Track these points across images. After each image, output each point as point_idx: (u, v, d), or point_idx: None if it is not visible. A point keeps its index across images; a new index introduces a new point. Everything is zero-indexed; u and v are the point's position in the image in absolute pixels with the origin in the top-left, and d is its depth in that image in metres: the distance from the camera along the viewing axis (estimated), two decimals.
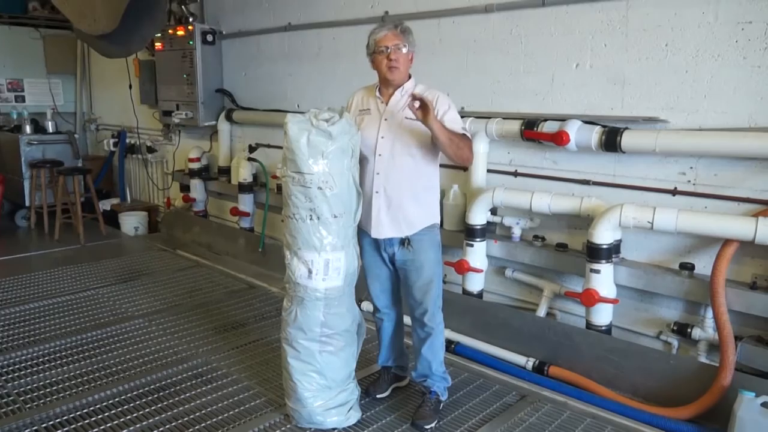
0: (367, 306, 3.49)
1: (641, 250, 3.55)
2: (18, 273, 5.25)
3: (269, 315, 4.35)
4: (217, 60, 6.21)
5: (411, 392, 3.24)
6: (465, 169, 4.16)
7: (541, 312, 3.87)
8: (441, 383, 3.04)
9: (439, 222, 2.99)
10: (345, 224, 2.74)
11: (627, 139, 3.36)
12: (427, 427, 2.91)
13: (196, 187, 6.52)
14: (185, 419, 2.96)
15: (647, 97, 3.40)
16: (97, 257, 5.79)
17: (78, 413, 3.01)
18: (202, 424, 2.92)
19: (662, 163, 3.39)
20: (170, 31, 6.25)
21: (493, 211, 4.03)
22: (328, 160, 2.63)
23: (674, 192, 3.37)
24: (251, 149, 5.86)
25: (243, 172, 5.82)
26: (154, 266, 5.60)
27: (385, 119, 2.84)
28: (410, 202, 2.84)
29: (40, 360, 3.60)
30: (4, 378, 3.37)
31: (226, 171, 6.29)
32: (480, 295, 4.06)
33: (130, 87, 7.31)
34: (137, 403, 3.12)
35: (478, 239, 3.95)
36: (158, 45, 6.48)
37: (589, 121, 3.56)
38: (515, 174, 4.03)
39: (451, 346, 3.82)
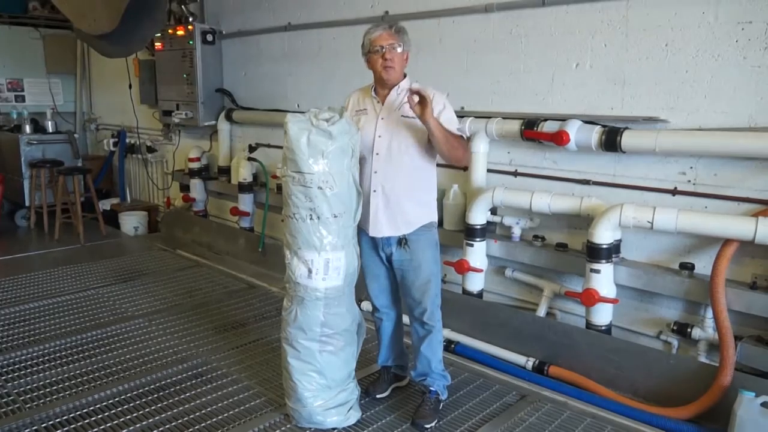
0: (366, 306, 3.49)
1: (641, 250, 3.55)
2: (18, 273, 5.25)
3: (269, 315, 4.35)
4: (217, 60, 6.21)
5: (411, 392, 3.24)
6: (465, 168, 4.16)
7: (541, 312, 3.87)
8: (440, 381, 3.05)
9: (436, 221, 3.00)
10: (345, 224, 2.74)
11: (627, 139, 3.36)
12: (427, 426, 2.92)
13: (196, 186, 6.52)
14: (185, 419, 2.96)
15: (647, 97, 3.40)
16: (97, 257, 5.79)
17: (78, 413, 3.01)
18: (202, 424, 2.92)
19: (662, 163, 3.39)
20: (170, 31, 6.25)
21: (493, 211, 4.03)
22: (328, 159, 2.64)
23: (674, 192, 3.37)
24: (251, 149, 5.86)
25: (243, 172, 5.82)
26: (154, 266, 5.60)
27: (382, 118, 2.85)
28: (408, 200, 2.85)
29: (40, 360, 3.61)
30: (4, 378, 3.37)
31: (226, 171, 6.29)
32: (480, 294, 4.06)
33: (130, 87, 7.31)
34: (137, 403, 3.12)
35: (478, 239, 3.95)
36: (158, 45, 6.48)
37: (589, 121, 3.56)
38: (515, 174, 4.03)
39: (451, 346, 3.82)
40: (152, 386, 3.29)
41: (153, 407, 3.07)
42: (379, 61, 2.78)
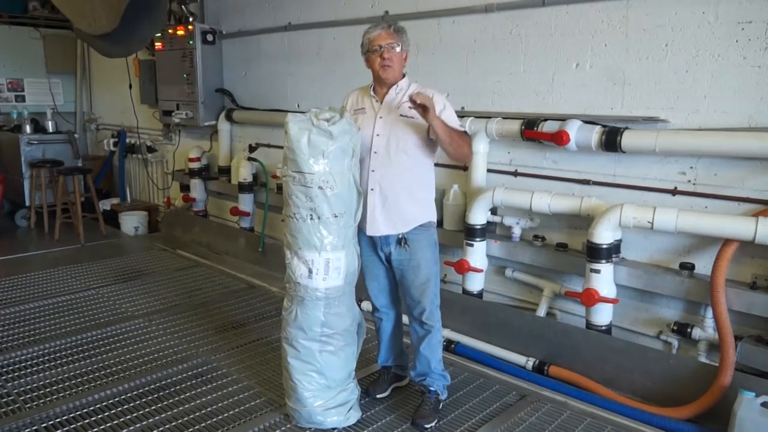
0: (367, 306, 3.49)
1: (641, 250, 3.55)
2: (18, 273, 5.25)
3: (269, 315, 4.35)
4: (217, 60, 6.21)
5: (411, 392, 3.24)
6: (465, 168, 4.17)
7: (541, 312, 3.87)
8: (440, 381, 3.05)
9: (435, 220, 3.00)
10: (345, 224, 2.74)
11: (627, 139, 3.36)
12: (427, 426, 2.92)
13: (196, 186, 6.52)
14: (185, 419, 2.97)
15: (647, 97, 3.40)
16: (97, 257, 5.79)
17: (78, 413, 3.01)
18: (202, 424, 2.92)
19: (662, 163, 3.39)
20: (170, 31, 6.25)
21: (493, 211, 4.03)
22: (328, 159, 2.64)
23: (674, 192, 3.37)
24: (251, 149, 5.86)
25: (243, 172, 5.82)
26: (154, 266, 5.60)
27: (380, 117, 2.86)
28: (406, 198, 2.85)
29: (40, 360, 3.61)
30: (4, 378, 3.37)
31: (226, 171, 6.29)
32: (480, 294, 4.06)
33: (130, 87, 7.31)
34: (137, 403, 3.12)
35: (478, 239, 3.95)
36: (158, 45, 6.49)
37: (589, 121, 3.56)
38: (515, 174, 4.03)
39: (451, 346, 3.82)
40: (152, 386, 3.29)
41: (153, 407, 3.07)
42: (378, 60, 2.79)
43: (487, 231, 4.00)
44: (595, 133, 3.47)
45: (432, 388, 3.02)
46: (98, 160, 8.15)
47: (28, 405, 3.09)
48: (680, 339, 3.39)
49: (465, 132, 2.85)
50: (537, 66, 3.84)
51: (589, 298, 3.39)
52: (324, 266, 2.73)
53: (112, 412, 3.03)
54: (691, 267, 3.28)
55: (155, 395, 3.20)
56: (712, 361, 3.20)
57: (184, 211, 6.81)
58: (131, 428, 2.88)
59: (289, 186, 2.72)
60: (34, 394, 3.21)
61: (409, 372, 3.17)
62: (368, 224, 2.88)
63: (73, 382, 3.33)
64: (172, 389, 3.27)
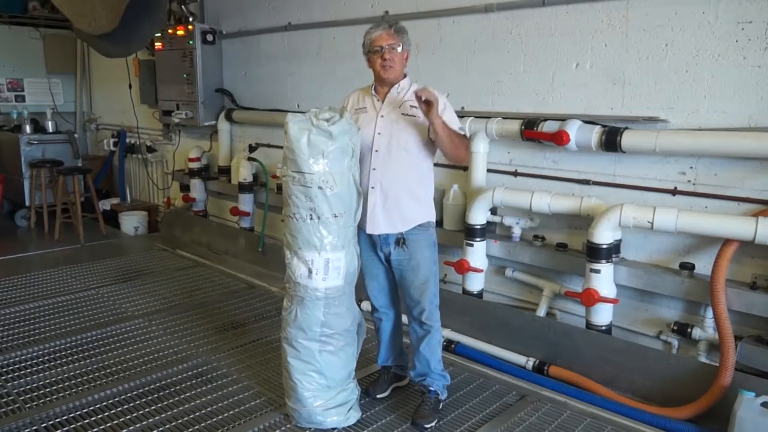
0: (366, 306, 3.49)
1: (641, 250, 3.55)
2: (18, 273, 5.25)
3: (269, 314, 4.35)
4: (217, 60, 6.21)
5: (411, 392, 3.24)
6: (465, 168, 4.17)
7: (541, 312, 3.87)
8: (440, 381, 3.05)
9: (434, 220, 3.00)
10: (345, 224, 2.74)
11: (627, 139, 3.36)
12: (427, 426, 2.92)
13: (196, 186, 6.52)
14: (185, 419, 2.97)
15: (647, 97, 3.40)
16: (97, 257, 5.79)
17: (78, 413, 3.01)
18: (202, 424, 2.92)
19: (662, 163, 3.39)
20: (170, 31, 6.25)
21: (493, 211, 4.03)
22: (328, 159, 2.64)
23: (674, 192, 3.37)
24: (251, 149, 5.86)
25: (243, 172, 5.82)
26: (154, 266, 5.60)
27: (382, 116, 2.87)
28: (406, 197, 2.86)
29: (40, 360, 3.60)
30: (4, 378, 3.37)
31: (226, 171, 6.29)
32: (480, 294, 4.06)
33: (130, 87, 7.31)
34: (137, 403, 3.12)
35: (478, 239, 3.95)
36: (158, 45, 6.48)
37: (589, 121, 3.56)
38: (515, 174, 4.03)
39: (451, 346, 3.82)
40: (152, 386, 3.29)
41: (153, 407, 3.07)
42: (379, 60, 2.80)
43: (487, 231, 4.00)
44: (595, 133, 3.47)
45: (432, 388, 3.02)
46: (98, 160, 8.15)
47: (28, 405, 3.09)
48: (680, 339, 3.39)
49: (464, 135, 2.86)
50: (537, 66, 3.84)
51: (589, 298, 3.39)
52: (324, 266, 2.73)
53: (112, 412, 3.03)
54: (691, 267, 3.28)
55: (155, 395, 3.20)
56: (712, 361, 3.20)
57: (184, 211, 6.81)
58: (131, 428, 2.88)
59: (289, 186, 2.72)
60: (34, 394, 3.21)
61: (409, 372, 3.17)
62: (368, 222, 2.88)
63: (73, 382, 3.33)
64: (172, 389, 3.27)
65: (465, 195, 4.19)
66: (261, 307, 4.54)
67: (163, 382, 3.34)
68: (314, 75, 5.35)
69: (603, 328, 3.47)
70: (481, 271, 3.98)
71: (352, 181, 2.75)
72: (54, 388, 3.26)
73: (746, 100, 3.06)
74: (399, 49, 2.81)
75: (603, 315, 3.45)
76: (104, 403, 3.10)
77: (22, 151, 6.83)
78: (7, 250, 6.09)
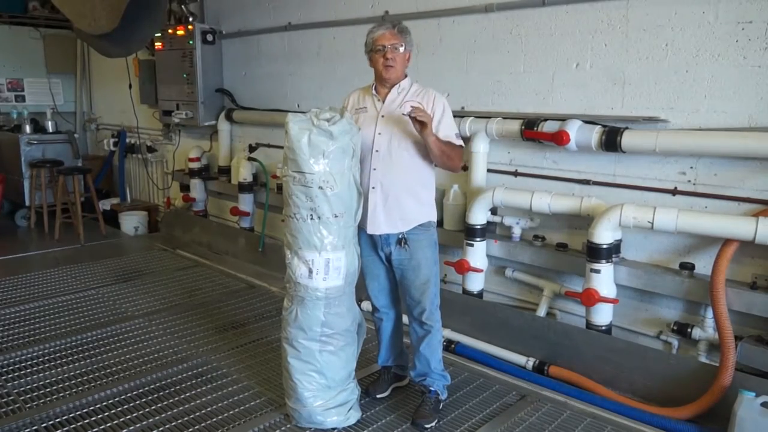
0: (367, 306, 3.49)
1: (641, 250, 3.55)
2: (18, 273, 5.25)
3: (269, 314, 4.35)
4: (217, 60, 6.21)
5: (411, 392, 3.24)
6: (465, 168, 4.16)
7: (541, 312, 3.87)
8: (440, 381, 3.05)
9: (435, 220, 3.00)
10: (345, 224, 2.74)
11: (627, 139, 3.36)
12: (428, 426, 2.92)
13: (196, 186, 6.52)
14: (185, 419, 2.96)
15: (647, 97, 3.40)
16: (97, 257, 5.79)
17: (78, 413, 3.01)
18: (202, 424, 2.92)
19: (662, 162, 3.39)
20: (170, 31, 6.25)
21: (493, 211, 4.03)
22: (328, 159, 2.64)
23: (674, 192, 3.37)
24: (251, 149, 5.86)
25: (243, 172, 5.82)
26: (154, 266, 5.60)
27: (382, 116, 2.87)
28: (406, 197, 2.86)
29: (40, 360, 3.60)
30: (4, 378, 3.37)
31: (226, 171, 6.29)
32: (480, 294, 4.06)
33: (130, 87, 7.31)
34: (137, 403, 3.12)
35: (478, 239, 3.95)
36: (158, 45, 6.49)
37: (589, 121, 3.56)
38: (515, 174, 4.03)
39: (451, 346, 3.82)
40: (152, 386, 3.29)
41: (153, 407, 3.07)
42: (381, 60, 2.80)
43: (487, 231, 4.00)
44: (595, 133, 3.47)
45: (432, 388, 3.02)
46: (98, 160, 8.15)
47: (28, 405, 3.09)
48: (680, 339, 3.39)
49: (459, 145, 2.87)
50: (537, 66, 3.84)
51: (589, 298, 3.39)
52: (324, 266, 2.73)
53: (112, 412, 3.03)
54: (691, 267, 3.28)
55: (155, 395, 3.20)
56: (712, 361, 3.20)
57: (184, 211, 6.81)
58: (131, 428, 2.88)
59: (290, 186, 2.72)
60: (34, 394, 3.21)
61: (409, 372, 3.17)
62: (369, 223, 2.88)
63: (73, 382, 3.33)
64: (172, 389, 3.27)
65: (465, 195, 4.19)
66: (261, 307, 4.54)
67: (163, 382, 3.34)
68: (314, 75, 5.35)
69: (603, 328, 3.47)
70: (481, 271, 3.99)
71: (353, 181, 2.75)
72: (54, 388, 3.26)
73: (746, 100, 3.06)
74: (401, 49, 2.81)
75: (603, 315, 3.45)
76: (104, 403, 3.10)
77: (22, 151, 6.83)
78: (7, 250, 6.09)
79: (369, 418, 3.00)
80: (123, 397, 3.18)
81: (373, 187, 2.85)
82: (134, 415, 3.00)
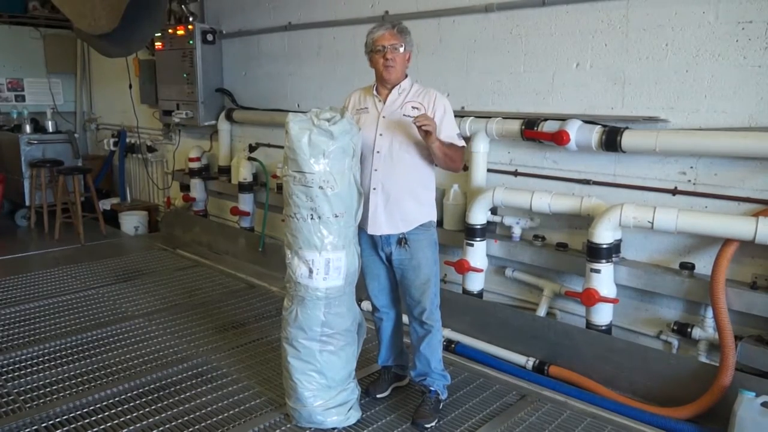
0: (367, 305, 3.49)
1: (641, 250, 3.55)
2: (18, 273, 5.25)
3: (269, 314, 4.35)
4: (217, 59, 6.21)
5: (411, 392, 3.24)
6: (465, 168, 4.16)
7: (541, 312, 3.87)
8: (440, 381, 3.05)
9: (435, 220, 3.01)
10: (346, 224, 2.75)
11: (627, 139, 3.36)
12: (428, 426, 2.92)
13: (196, 186, 6.52)
14: (185, 419, 2.97)
15: (647, 97, 3.40)
16: (97, 257, 5.79)
17: (78, 413, 3.01)
18: (202, 424, 2.92)
19: (662, 162, 3.39)
20: (170, 31, 6.25)
21: (494, 211, 4.03)
22: (329, 159, 2.64)
23: (674, 192, 3.37)
24: (251, 149, 5.86)
25: (243, 172, 5.82)
26: (154, 266, 5.60)
27: (383, 117, 2.87)
28: (408, 198, 2.86)
29: (40, 360, 3.60)
30: (4, 378, 3.37)
31: (226, 170, 6.29)
32: (480, 294, 4.06)
33: (130, 86, 7.31)
34: (137, 402, 3.12)
35: (478, 239, 3.95)
36: (158, 44, 6.49)
37: (590, 121, 3.56)
38: (515, 173, 4.03)
39: (451, 346, 3.83)
40: (152, 386, 3.29)
41: (153, 407, 3.07)
42: (381, 60, 2.80)
43: (487, 231, 4.00)
44: (595, 133, 3.47)
45: (432, 388, 3.02)
46: (98, 160, 8.15)
47: (28, 405, 3.09)
48: (680, 339, 3.39)
49: (461, 146, 2.88)
50: (537, 66, 3.84)
51: (589, 298, 3.39)
52: (324, 266, 2.73)
53: (112, 412, 3.03)
54: (691, 267, 3.28)
55: (155, 395, 3.20)
56: (712, 361, 3.20)
57: (184, 211, 6.81)
58: (131, 428, 2.88)
59: (290, 186, 2.72)
60: (34, 394, 3.21)
61: (409, 372, 3.17)
62: (370, 224, 2.88)
63: (73, 382, 3.33)
64: (172, 389, 3.27)
65: (465, 195, 4.19)
66: (261, 307, 4.54)
67: (163, 382, 3.34)
68: (314, 75, 5.35)
69: (603, 328, 3.47)
70: (481, 270, 3.99)
71: (353, 181, 2.75)
72: (54, 388, 3.26)
73: (746, 100, 3.06)
74: (401, 49, 2.81)
75: (603, 315, 3.45)
76: (104, 403, 3.10)
77: (22, 150, 6.83)
78: (7, 250, 6.09)
79: (369, 418, 3.00)
80: (123, 397, 3.18)
81: (374, 188, 2.85)
82: (134, 415, 3.00)
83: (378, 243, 2.93)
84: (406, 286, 2.97)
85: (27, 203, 6.96)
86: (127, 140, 7.73)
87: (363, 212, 2.85)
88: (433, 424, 2.93)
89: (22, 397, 3.16)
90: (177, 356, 3.67)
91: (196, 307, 4.49)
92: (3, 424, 2.88)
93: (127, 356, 3.66)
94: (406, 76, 2.92)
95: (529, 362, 3.60)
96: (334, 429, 2.88)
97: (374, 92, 2.94)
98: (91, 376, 3.41)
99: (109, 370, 3.47)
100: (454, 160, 2.85)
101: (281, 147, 2.78)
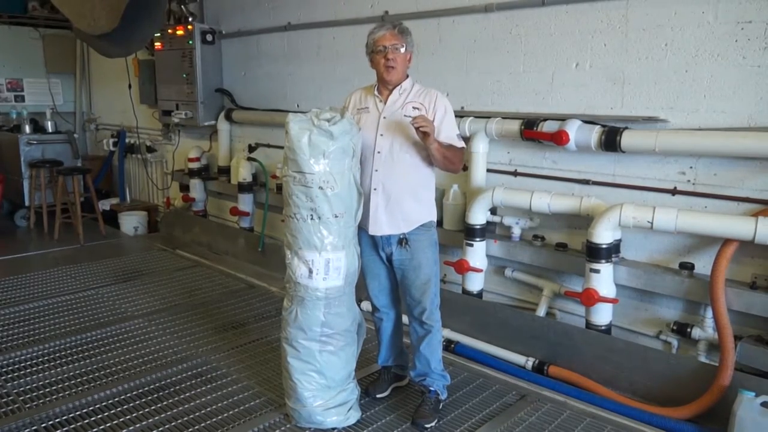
0: (366, 306, 3.49)
1: (641, 250, 3.55)
2: (17, 273, 5.25)
3: (269, 314, 4.35)
4: (216, 60, 6.21)
5: (411, 392, 3.24)
6: (465, 168, 4.16)
7: (541, 312, 3.87)
8: (440, 381, 3.05)
9: (435, 220, 3.01)
10: (346, 224, 2.75)
11: (627, 139, 3.36)
12: (427, 426, 2.92)
13: (196, 186, 6.52)
14: (185, 419, 2.97)
15: (647, 97, 3.40)
16: (96, 257, 5.79)
17: (78, 413, 3.01)
18: (202, 424, 2.92)
19: (662, 162, 3.40)
20: (170, 31, 6.25)
21: (493, 211, 4.03)
22: (329, 159, 2.64)
23: (674, 192, 3.37)
24: (251, 149, 5.86)
25: (243, 172, 5.82)
26: (154, 266, 5.60)
27: (384, 117, 2.87)
28: (408, 198, 2.86)
29: (40, 360, 3.60)
30: (4, 378, 3.37)
31: (225, 171, 6.28)
32: (480, 294, 4.06)
33: (130, 87, 7.31)
34: (137, 403, 3.12)
35: (477, 239, 3.95)
36: (158, 45, 6.48)
37: (589, 121, 3.56)
38: (515, 174, 4.04)
39: (451, 346, 3.83)
40: (152, 386, 3.29)
41: (153, 407, 3.07)
42: (382, 61, 2.81)
43: (486, 231, 4.00)
44: (594, 133, 3.47)
45: (432, 388, 3.02)
46: (98, 160, 8.14)
47: (28, 405, 3.09)
48: (680, 339, 3.39)
49: (460, 148, 2.88)
50: (537, 66, 3.85)
51: (589, 298, 3.39)
52: (324, 266, 2.73)
53: (112, 412, 3.03)
54: (691, 267, 3.28)
55: (155, 395, 3.20)
56: (712, 361, 3.20)
57: (184, 211, 6.81)
58: (131, 428, 2.88)
59: (290, 186, 2.73)
60: (34, 394, 3.20)
61: (409, 372, 3.17)
62: (371, 224, 2.88)
63: (73, 382, 3.33)
64: (172, 389, 3.27)
65: (465, 195, 4.19)
66: (261, 307, 4.54)
67: (163, 382, 3.34)
68: (314, 75, 5.35)
69: (603, 327, 3.47)
70: (481, 271, 3.99)
71: (353, 181, 2.75)
72: (54, 388, 3.26)
73: (746, 100, 3.06)
74: (402, 49, 2.82)
75: (603, 315, 3.45)
76: (104, 403, 3.10)
77: (22, 151, 6.84)
78: (7, 250, 6.09)
79: (369, 418, 3.00)
80: (123, 397, 3.18)
81: (375, 188, 2.86)
82: (134, 415, 3.00)
83: (378, 243, 2.93)
84: (406, 286, 2.97)
85: (26, 203, 6.96)
86: (127, 140, 7.73)
87: (363, 212, 2.85)
88: (433, 424, 2.93)
89: (21, 398, 3.16)
90: (177, 356, 3.67)
91: (196, 307, 4.49)
92: (3, 424, 2.88)
93: (127, 356, 3.66)
94: (408, 76, 2.93)
95: (529, 362, 3.60)
96: (333, 429, 2.88)
97: (375, 92, 2.94)
98: (91, 376, 3.41)
99: (109, 370, 3.47)
100: (453, 162, 2.85)
101: (281, 147, 2.78)
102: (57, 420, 2.95)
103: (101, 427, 2.89)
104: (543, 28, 3.78)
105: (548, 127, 3.67)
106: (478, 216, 3.93)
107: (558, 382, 3.40)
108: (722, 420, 2.82)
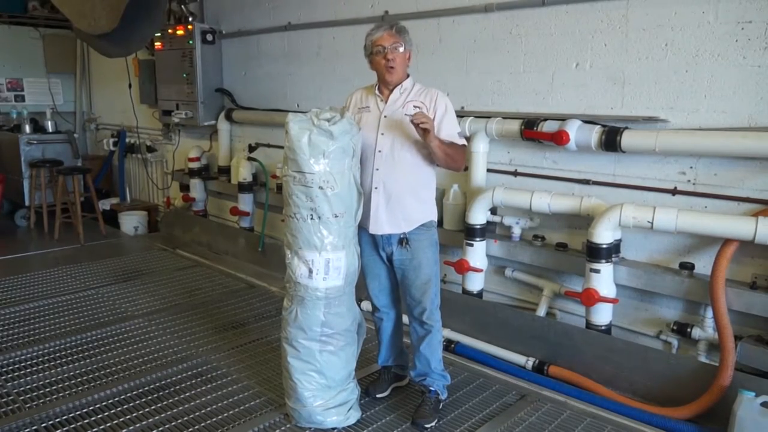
0: (366, 305, 3.49)
1: (641, 250, 3.55)
2: (17, 273, 5.25)
3: (269, 314, 4.35)
4: (216, 59, 6.21)
5: (411, 392, 3.24)
6: (465, 168, 4.16)
7: (541, 312, 3.87)
8: (440, 381, 3.05)
9: (436, 219, 3.01)
10: (346, 224, 2.75)
11: (627, 139, 3.36)
12: (427, 426, 2.92)
13: (196, 186, 6.51)
14: (185, 419, 2.97)
15: (647, 97, 3.40)
16: (96, 257, 5.79)
17: (78, 413, 3.01)
18: (202, 424, 2.92)
19: (662, 162, 3.39)
20: (170, 31, 6.25)
21: (493, 211, 4.03)
22: (329, 159, 2.64)
23: (674, 192, 3.37)
24: (251, 149, 5.86)
25: (243, 172, 5.82)
26: (154, 266, 5.60)
27: (385, 116, 2.87)
28: (409, 197, 2.87)
29: (40, 360, 3.60)
30: (4, 378, 3.37)
31: (225, 170, 6.28)
32: (480, 294, 4.06)
33: (130, 86, 7.31)
34: (137, 402, 3.12)
35: (478, 239, 3.95)
36: (158, 44, 6.49)
37: (589, 121, 3.56)
38: (515, 173, 4.04)
39: (451, 346, 3.83)
40: (152, 386, 3.29)
41: (153, 407, 3.07)
42: (383, 62, 2.81)
43: (486, 231, 4.00)
44: (594, 133, 3.47)
45: (432, 388, 3.02)
46: (98, 160, 8.14)
47: (28, 405, 3.09)
48: (680, 339, 3.39)
49: (462, 145, 2.88)
50: (537, 66, 3.85)
51: (589, 298, 3.39)
52: (324, 266, 2.73)
53: (112, 412, 3.03)
54: (691, 267, 3.28)
55: (155, 395, 3.20)
56: (712, 361, 3.20)
57: (184, 211, 6.81)
58: (131, 428, 2.88)
59: (290, 186, 2.73)
60: (34, 394, 3.21)
61: (409, 372, 3.17)
62: (371, 223, 2.88)
63: (73, 382, 3.33)
64: (172, 389, 3.27)
65: (465, 195, 4.19)
66: (261, 307, 4.54)
67: (163, 382, 3.34)
68: (314, 75, 5.35)
69: (603, 327, 3.47)
70: (481, 270, 3.99)
71: (353, 181, 2.75)
72: (54, 388, 3.27)
73: (746, 100, 3.06)
74: (401, 49, 2.82)
75: (603, 315, 3.45)
76: (104, 403, 3.11)
77: (22, 150, 6.84)
78: (7, 250, 6.09)
79: (369, 418, 3.00)
80: (123, 397, 3.18)
81: (376, 188, 2.86)
82: (134, 415, 3.00)
83: (379, 243, 2.93)
84: (406, 286, 2.97)
85: (27, 203, 6.96)
86: (127, 140, 7.73)
87: (364, 212, 2.86)
88: (433, 424, 2.93)
89: (21, 397, 3.16)
90: (177, 356, 3.67)
91: (196, 307, 4.49)
92: (3, 424, 2.89)
93: (127, 356, 3.66)
94: (408, 75, 2.93)
95: (529, 362, 3.60)
96: (333, 429, 2.88)
97: (376, 92, 2.94)
98: (91, 376, 3.41)
99: (109, 370, 3.47)
100: (455, 159, 2.85)
101: (281, 147, 2.78)
102: (57, 420, 2.95)
103: (101, 427, 2.89)
104: (543, 28, 3.78)
105: (548, 127, 3.67)
106: (479, 216, 3.93)
107: (558, 382, 3.40)
108: (722, 420, 2.82)
